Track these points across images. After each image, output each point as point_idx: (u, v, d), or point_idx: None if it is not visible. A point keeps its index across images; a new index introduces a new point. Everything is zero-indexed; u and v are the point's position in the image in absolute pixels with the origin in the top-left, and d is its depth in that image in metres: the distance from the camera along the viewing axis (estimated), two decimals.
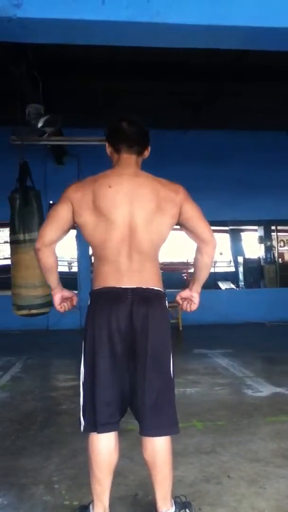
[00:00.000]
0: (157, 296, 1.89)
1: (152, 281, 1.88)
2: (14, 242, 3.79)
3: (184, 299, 2.09)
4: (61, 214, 1.87)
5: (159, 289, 1.91)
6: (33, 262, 3.75)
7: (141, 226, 1.84)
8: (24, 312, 3.78)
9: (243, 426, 3.18)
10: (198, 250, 1.98)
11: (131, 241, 1.84)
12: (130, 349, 1.86)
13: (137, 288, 1.85)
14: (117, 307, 1.83)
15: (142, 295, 1.85)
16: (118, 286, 1.84)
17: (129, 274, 1.85)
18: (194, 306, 2.09)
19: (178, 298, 2.09)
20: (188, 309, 2.09)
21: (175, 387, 1.99)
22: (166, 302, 1.95)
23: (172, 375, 1.96)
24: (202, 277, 2.03)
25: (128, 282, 1.84)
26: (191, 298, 2.08)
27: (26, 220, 3.73)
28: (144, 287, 1.86)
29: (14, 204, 3.77)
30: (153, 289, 1.88)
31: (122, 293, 1.84)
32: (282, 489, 2.29)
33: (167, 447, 1.94)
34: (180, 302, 2.10)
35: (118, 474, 2.41)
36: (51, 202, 7.96)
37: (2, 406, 3.74)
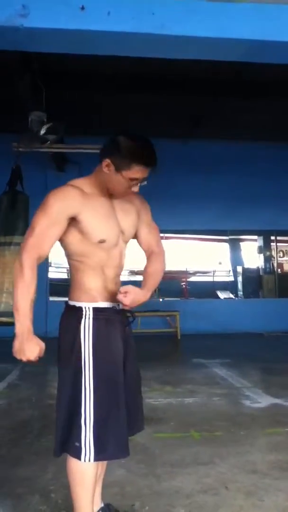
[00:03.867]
0: (65, 308, 1.85)
1: (70, 294, 1.85)
2: None
3: None
4: None
5: (70, 301, 1.83)
6: (8, 266, 3.66)
7: None
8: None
9: (241, 437, 3.16)
10: None
11: None
12: None
13: None
14: None
15: None
16: None
17: None
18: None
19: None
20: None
21: (72, 407, 1.75)
22: (77, 313, 1.78)
23: (59, 391, 1.80)
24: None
25: None
26: None
27: (10, 223, 3.73)
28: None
29: (0, 206, 3.78)
30: (66, 301, 1.86)
31: None
32: (279, 501, 2.27)
33: (68, 467, 1.81)
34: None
35: (115, 484, 2.40)
36: None
37: None
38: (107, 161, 1.75)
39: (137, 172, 1.75)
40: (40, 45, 2.48)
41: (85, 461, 1.73)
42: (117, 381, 1.78)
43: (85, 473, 1.77)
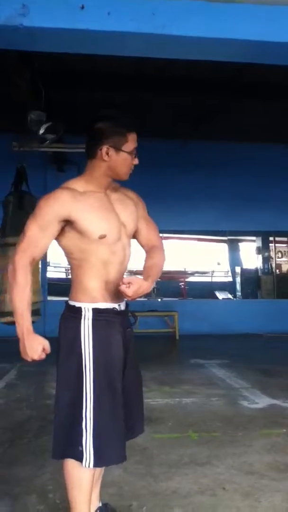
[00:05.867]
0: (65, 308, 1.83)
1: (70, 293, 1.83)
2: (2, 245, 3.74)
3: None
4: None
5: (70, 301, 1.81)
6: None
7: None
8: (6, 319, 3.66)
9: (239, 437, 3.16)
10: None
11: None
12: None
13: None
14: None
15: None
16: None
17: None
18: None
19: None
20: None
21: (71, 408, 1.74)
22: (76, 313, 1.77)
23: (58, 393, 1.79)
24: None
25: None
26: None
27: (18, 224, 3.73)
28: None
29: (8, 207, 3.77)
30: (66, 301, 1.84)
31: None
32: (277, 502, 2.27)
33: (66, 470, 1.79)
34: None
35: (113, 484, 2.40)
36: None
37: None
38: (105, 147, 1.76)
39: (133, 140, 1.80)
40: (39, 45, 2.48)
41: (85, 466, 1.72)
42: (116, 385, 1.76)
43: (83, 476, 1.77)
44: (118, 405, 1.76)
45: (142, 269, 1.90)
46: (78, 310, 1.77)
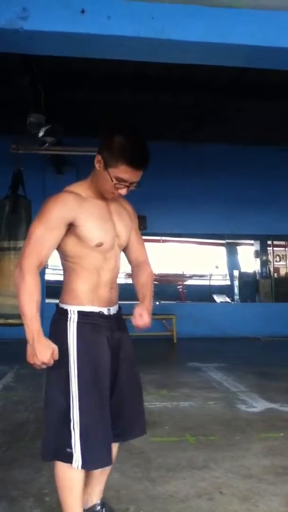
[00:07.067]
0: (55, 311, 1.84)
1: (60, 296, 1.84)
2: None
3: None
4: None
5: (60, 304, 1.82)
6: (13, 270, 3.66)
7: None
8: (0, 321, 3.70)
9: (236, 441, 3.16)
10: None
11: None
12: None
13: None
14: None
15: None
16: None
17: None
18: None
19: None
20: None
21: (57, 409, 1.75)
22: (63, 316, 1.78)
23: (46, 394, 1.81)
24: None
25: None
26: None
27: (12, 228, 3.74)
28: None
29: (3, 211, 3.78)
30: (57, 304, 1.85)
31: None
32: (274, 506, 2.27)
33: (56, 474, 1.80)
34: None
35: (110, 488, 2.39)
36: None
37: None
38: (98, 157, 1.75)
39: (123, 172, 1.71)
40: (39, 48, 2.49)
41: (75, 468, 1.73)
42: (101, 388, 1.75)
43: (73, 479, 1.77)
44: (104, 409, 1.75)
45: (133, 282, 1.97)
46: (65, 312, 1.79)
